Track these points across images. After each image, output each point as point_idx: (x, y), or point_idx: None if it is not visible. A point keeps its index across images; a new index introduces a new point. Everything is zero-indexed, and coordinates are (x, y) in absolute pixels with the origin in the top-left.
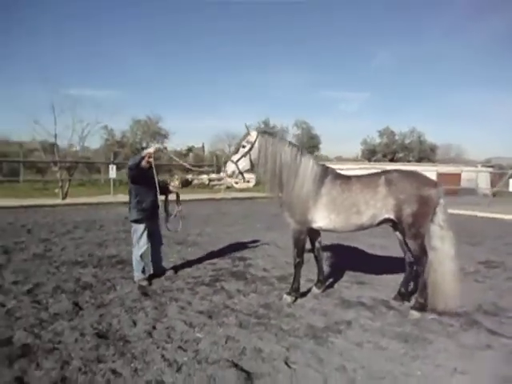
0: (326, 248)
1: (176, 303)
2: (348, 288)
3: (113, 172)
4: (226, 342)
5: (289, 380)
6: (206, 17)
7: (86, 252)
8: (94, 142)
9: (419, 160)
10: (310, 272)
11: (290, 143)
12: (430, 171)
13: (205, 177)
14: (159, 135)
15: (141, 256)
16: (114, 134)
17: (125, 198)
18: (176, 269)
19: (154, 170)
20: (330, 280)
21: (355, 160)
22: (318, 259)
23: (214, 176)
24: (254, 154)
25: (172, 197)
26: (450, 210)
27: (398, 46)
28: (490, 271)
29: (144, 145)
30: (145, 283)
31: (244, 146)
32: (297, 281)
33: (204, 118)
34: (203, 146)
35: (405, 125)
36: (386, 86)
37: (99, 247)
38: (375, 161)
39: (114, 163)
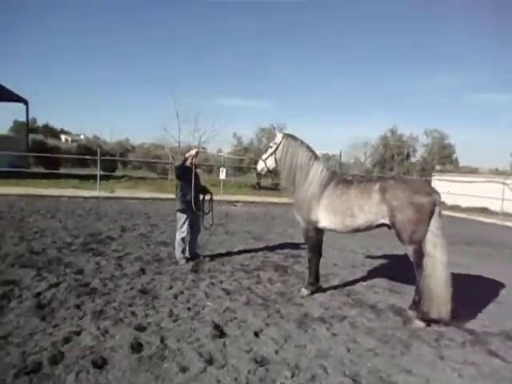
0: (384, 257)
1: (210, 280)
2: (376, 293)
3: (223, 174)
4: (223, 311)
5: (247, 343)
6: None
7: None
8: (224, 148)
9: None
10: (351, 274)
11: (308, 148)
12: None
13: None
14: None
15: (182, 239)
16: (242, 140)
17: (230, 197)
18: (222, 256)
19: (194, 170)
20: (363, 284)
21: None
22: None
23: None
24: (278, 153)
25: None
26: None
27: None
28: None
29: None
30: (183, 262)
31: (271, 147)
32: (312, 275)
33: (341, 125)
34: (340, 154)
35: None
36: None
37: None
38: None
39: (224, 166)
